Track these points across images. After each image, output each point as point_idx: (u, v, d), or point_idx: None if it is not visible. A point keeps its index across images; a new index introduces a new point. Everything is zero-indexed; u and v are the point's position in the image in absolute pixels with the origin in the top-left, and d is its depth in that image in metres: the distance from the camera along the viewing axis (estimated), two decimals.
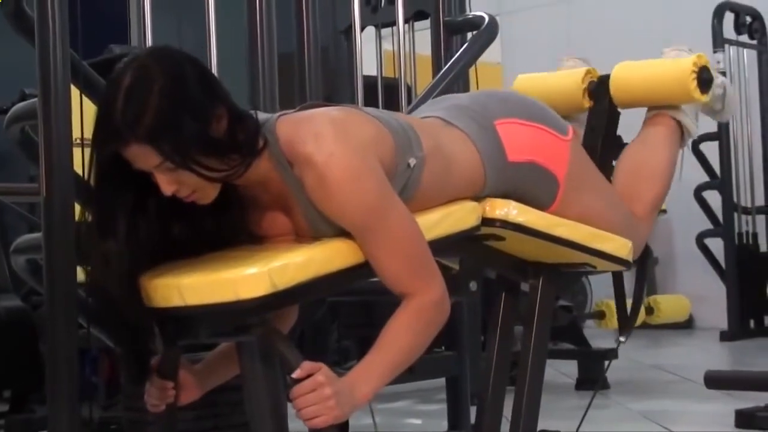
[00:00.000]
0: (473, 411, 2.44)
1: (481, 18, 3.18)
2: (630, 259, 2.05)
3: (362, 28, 3.20)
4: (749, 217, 6.37)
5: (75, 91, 2.08)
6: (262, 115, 1.73)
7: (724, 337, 6.08)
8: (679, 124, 2.27)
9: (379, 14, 4.39)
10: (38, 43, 2.04)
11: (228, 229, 1.74)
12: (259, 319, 1.65)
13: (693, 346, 6.08)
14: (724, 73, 5.46)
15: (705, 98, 2.25)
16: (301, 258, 1.63)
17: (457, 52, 3.15)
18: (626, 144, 2.31)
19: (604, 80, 2.36)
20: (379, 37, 4.51)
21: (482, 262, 2.03)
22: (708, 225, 6.25)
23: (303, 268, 1.63)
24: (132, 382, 2.41)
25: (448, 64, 3.07)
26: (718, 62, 6.05)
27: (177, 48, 1.68)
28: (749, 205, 6.38)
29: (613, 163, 2.29)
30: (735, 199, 6.27)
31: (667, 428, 3.41)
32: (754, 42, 6.40)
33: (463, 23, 3.37)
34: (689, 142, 2.35)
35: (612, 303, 2.40)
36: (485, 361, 2.12)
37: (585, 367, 4.37)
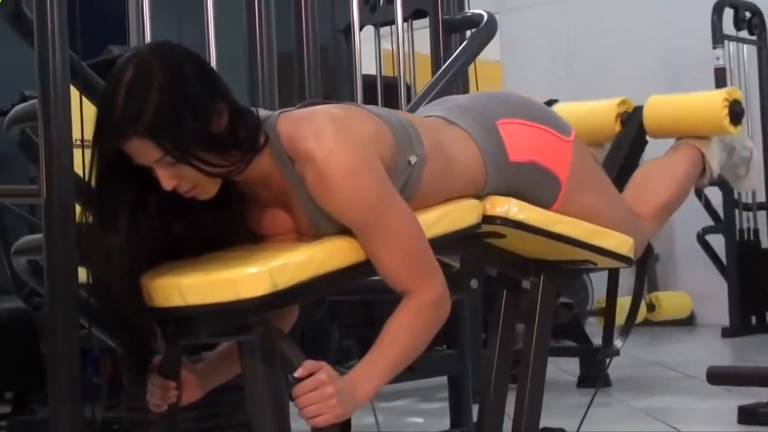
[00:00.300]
0: (475, 409, 2.45)
1: (480, 16, 3.18)
2: (631, 255, 2.05)
3: (361, 28, 3.20)
4: (750, 214, 6.37)
5: (75, 92, 2.08)
6: (263, 112, 1.73)
7: (726, 333, 6.08)
8: (703, 158, 2.29)
9: (377, 13, 4.39)
10: (37, 45, 2.04)
11: (228, 227, 1.74)
12: (260, 318, 1.66)
13: (694, 343, 6.08)
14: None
15: (736, 131, 2.31)
16: (301, 257, 1.63)
17: (456, 50, 3.15)
18: None
19: (638, 109, 2.46)
20: (378, 36, 4.52)
21: (483, 259, 2.03)
22: (709, 221, 6.25)
23: (303, 267, 1.63)
24: (134, 382, 2.41)
25: (447, 62, 3.06)
26: (718, 58, 6.06)
27: (178, 44, 1.68)
28: (750, 201, 6.38)
29: None
30: (736, 196, 6.27)
31: (669, 425, 3.40)
32: (754, 38, 6.39)
33: (461, 21, 3.37)
34: (707, 182, 2.35)
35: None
36: (487, 359, 2.12)
37: (587, 365, 4.37)
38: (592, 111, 2.53)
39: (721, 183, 6.23)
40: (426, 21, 3.50)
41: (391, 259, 1.67)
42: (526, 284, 2.07)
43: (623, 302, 2.38)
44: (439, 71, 3.05)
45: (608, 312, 2.39)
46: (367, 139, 1.70)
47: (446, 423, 3.31)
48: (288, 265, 1.61)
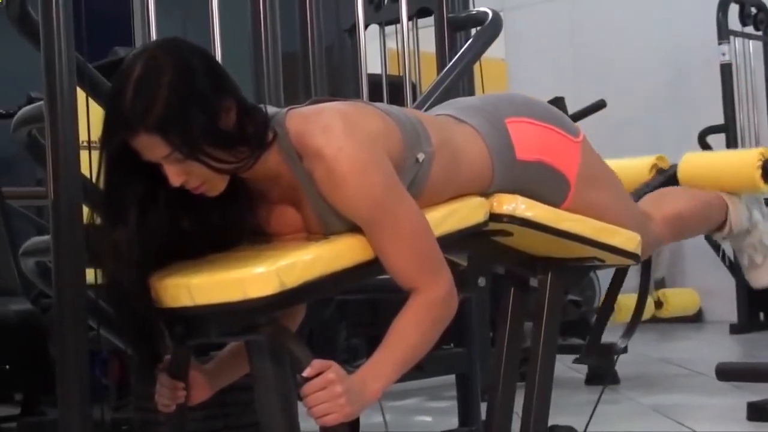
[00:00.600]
0: (483, 407, 2.44)
1: (485, 14, 3.18)
2: (638, 252, 2.05)
3: (366, 27, 3.20)
4: None
5: (81, 94, 2.09)
6: (271, 109, 1.74)
7: (734, 330, 6.06)
8: (727, 209, 2.32)
9: (382, 12, 4.38)
10: (44, 47, 2.04)
11: (236, 224, 1.75)
12: (268, 318, 1.66)
13: (702, 340, 6.07)
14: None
15: (766, 187, 2.38)
16: (308, 256, 1.64)
17: (461, 48, 3.14)
18: None
19: (673, 166, 2.62)
20: (382, 35, 4.51)
21: (491, 258, 2.03)
22: None
23: (311, 266, 1.63)
24: (142, 383, 2.42)
25: (453, 60, 3.06)
26: (723, 54, 6.04)
27: (186, 40, 1.68)
28: None
29: None
30: None
31: (678, 422, 3.40)
32: (760, 33, 6.37)
33: (466, 19, 3.37)
34: (724, 235, 2.35)
35: (621, 298, 2.40)
36: (495, 357, 2.11)
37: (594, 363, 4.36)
38: (626, 167, 2.66)
39: None
40: (431, 19, 3.50)
41: (399, 256, 1.68)
42: (533, 282, 2.07)
43: (630, 300, 2.38)
44: (445, 69, 3.05)
45: (603, 309, 2.39)
46: (375, 136, 1.70)
47: (454, 422, 3.31)
48: (296, 264, 1.61)
